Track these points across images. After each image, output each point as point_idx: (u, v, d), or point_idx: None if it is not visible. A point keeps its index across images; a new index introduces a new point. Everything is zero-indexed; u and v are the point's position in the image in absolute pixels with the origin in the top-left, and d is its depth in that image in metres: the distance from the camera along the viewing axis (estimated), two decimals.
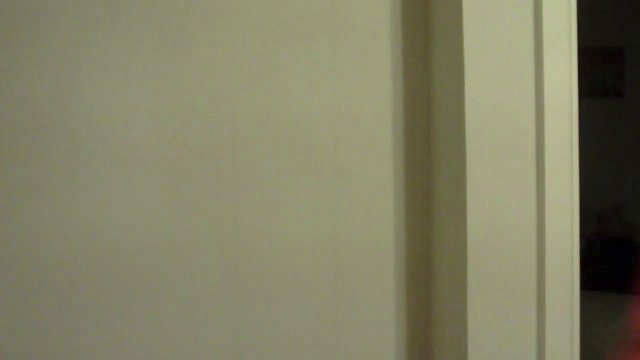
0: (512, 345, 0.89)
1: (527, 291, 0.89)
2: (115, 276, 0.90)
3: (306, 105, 0.96)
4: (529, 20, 0.87)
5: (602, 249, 3.49)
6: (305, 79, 0.96)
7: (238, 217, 0.94)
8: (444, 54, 0.93)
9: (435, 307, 0.98)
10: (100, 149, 0.90)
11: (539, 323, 0.89)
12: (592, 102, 3.90)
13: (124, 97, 0.91)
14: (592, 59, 3.91)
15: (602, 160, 3.89)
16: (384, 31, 0.97)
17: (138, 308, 0.91)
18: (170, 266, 0.92)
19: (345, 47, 0.96)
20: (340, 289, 0.97)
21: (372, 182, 0.97)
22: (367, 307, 0.98)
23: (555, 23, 0.88)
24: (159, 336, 0.92)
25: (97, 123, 0.90)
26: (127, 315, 0.90)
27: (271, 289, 0.96)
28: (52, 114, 0.89)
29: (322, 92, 0.96)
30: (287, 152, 0.95)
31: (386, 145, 0.98)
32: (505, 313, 0.88)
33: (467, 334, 0.87)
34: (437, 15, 0.95)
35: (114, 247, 0.90)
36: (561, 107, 0.89)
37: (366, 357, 0.98)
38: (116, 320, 0.90)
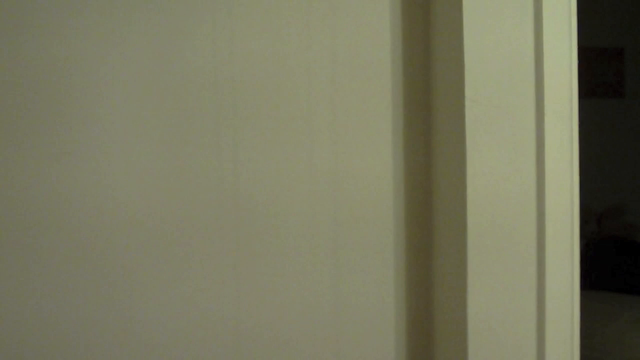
0: (511, 345, 0.89)
1: (527, 291, 0.89)
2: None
3: (306, 100, 0.96)
4: (529, 20, 0.87)
5: (602, 249, 3.49)
6: (305, 75, 0.96)
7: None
8: (444, 54, 0.93)
9: (435, 307, 0.99)
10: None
11: (539, 323, 0.89)
12: (592, 102, 3.91)
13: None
14: (592, 59, 3.92)
15: (602, 160, 3.89)
16: (384, 30, 0.97)
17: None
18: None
19: (345, 46, 0.96)
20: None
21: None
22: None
23: (555, 23, 0.88)
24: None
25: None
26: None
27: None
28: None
29: (322, 90, 0.96)
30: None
31: (386, 135, 0.98)
32: (505, 314, 0.88)
33: (468, 335, 0.87)
34: (437, 15, 0.95)
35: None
36: (561, 107, 0.89)
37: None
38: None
